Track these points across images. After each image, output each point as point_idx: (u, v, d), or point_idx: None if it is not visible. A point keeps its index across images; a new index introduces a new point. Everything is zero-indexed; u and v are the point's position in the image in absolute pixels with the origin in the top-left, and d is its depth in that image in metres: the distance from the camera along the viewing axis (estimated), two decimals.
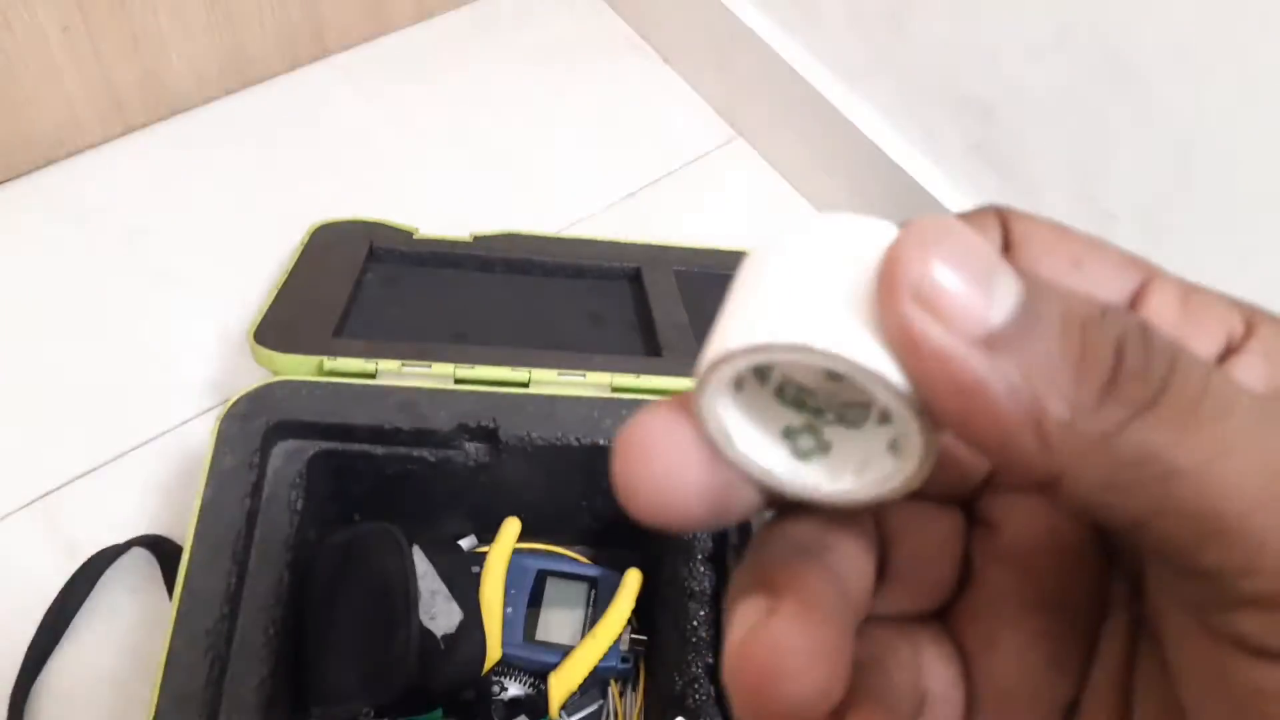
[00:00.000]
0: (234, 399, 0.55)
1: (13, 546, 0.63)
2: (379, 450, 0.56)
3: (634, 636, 0.57)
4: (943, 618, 0.19)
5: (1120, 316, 0.14)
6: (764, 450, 0.17)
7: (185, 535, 0.51)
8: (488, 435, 0.56)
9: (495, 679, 0.56)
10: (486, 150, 0.86)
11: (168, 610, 0.49)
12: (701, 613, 0.52)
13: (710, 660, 0.51)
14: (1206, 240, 0.61)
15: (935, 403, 0.14)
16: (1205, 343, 0.16)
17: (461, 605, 0.55)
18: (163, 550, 0.62)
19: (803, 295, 0.15)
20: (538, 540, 0.61)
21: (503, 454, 0.56)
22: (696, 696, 0.50)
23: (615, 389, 0.59)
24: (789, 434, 0.17)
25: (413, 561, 0.54)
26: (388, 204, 0.76)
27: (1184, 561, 0.14)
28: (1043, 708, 0.18)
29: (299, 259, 0.71)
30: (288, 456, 0.55)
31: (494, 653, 0.55)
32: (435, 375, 0.58)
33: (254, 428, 0.54)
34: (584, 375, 0.59)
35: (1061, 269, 0.17)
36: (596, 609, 0.58)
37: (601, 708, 0.57)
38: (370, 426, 0.55)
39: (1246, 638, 0.14)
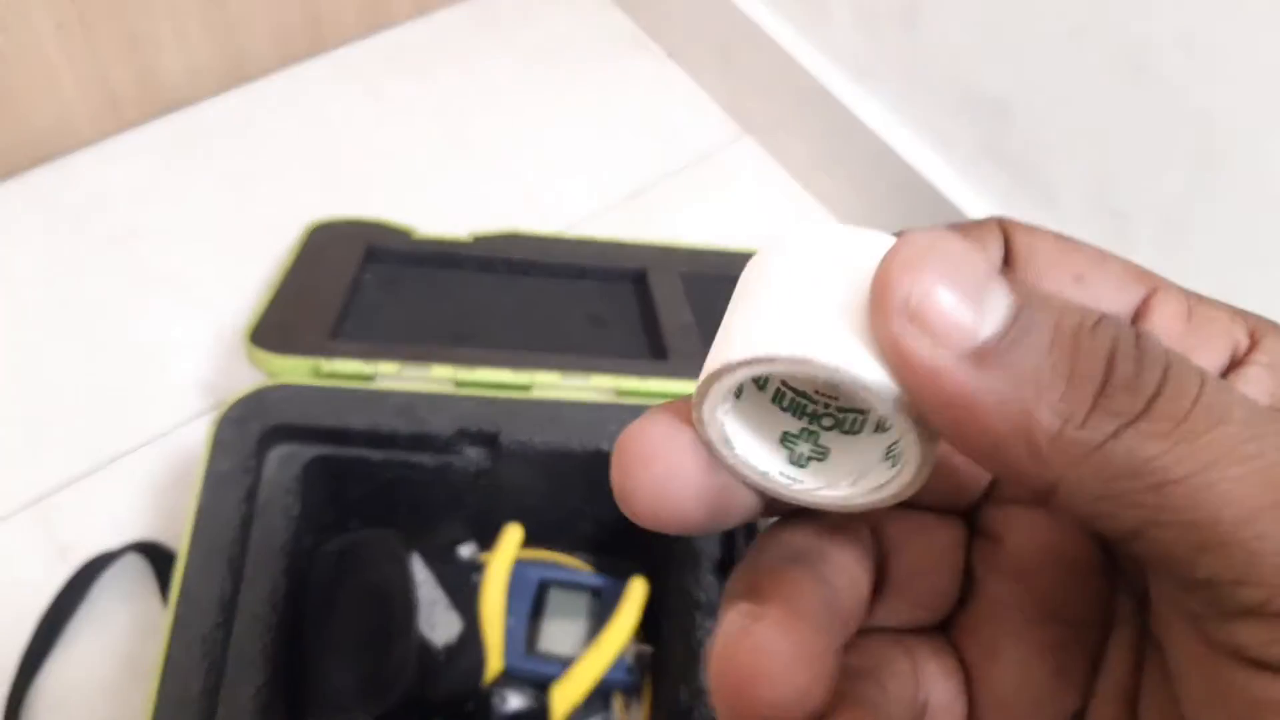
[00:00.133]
0: (229, 402, 0.54)
1: (4, 551, 0.62)
2: (377, 455, 0.55)
3: (639, 647, 0.56)
4: (945, 630, 0.19)
5: (1112, 327, 0.14)
6: (762, 455, 0.17)
7: (180, 540, 0.50)
8: (488, 440, 0.55)
9: (496, 691, 0.55)
10: (487, 148, 0.85)
11: (162, 617, 0.48)
12: (708, 624, 0.51)
13: None
14: (1225, 242, 0.60)
15: (929, 416, 0.14)
16: (1210, 355, 0.16)
17: (461, 615, 0.54)
18: (157, 556, 0.61)
19: (802, 307, 0.15)
20: (539, 547, 0.60)
21: (504, 459, 0.55)
22: (703, 710, 0.49)
23: (621, 393, 0.57)
24: (787, 440, 0.17)
25: (412, 569, 0.54)
26: (386, 203, 0.75)
27: (1181, 572, 0.14)
28: None
29: (295, 259, 0.70)
30: (284, 461, 0.54)
31: (495, 664, 0.54)
32: (434, 378, 0.57)
33: (249, 431, 0.53)
34: (587, 379, 0.58)
35: (1064, 282, 0.17)
36: (600, 619, 0.57)
37: None
38: (368, 431, 0.54)
39: (1244, 649, 0.14)
